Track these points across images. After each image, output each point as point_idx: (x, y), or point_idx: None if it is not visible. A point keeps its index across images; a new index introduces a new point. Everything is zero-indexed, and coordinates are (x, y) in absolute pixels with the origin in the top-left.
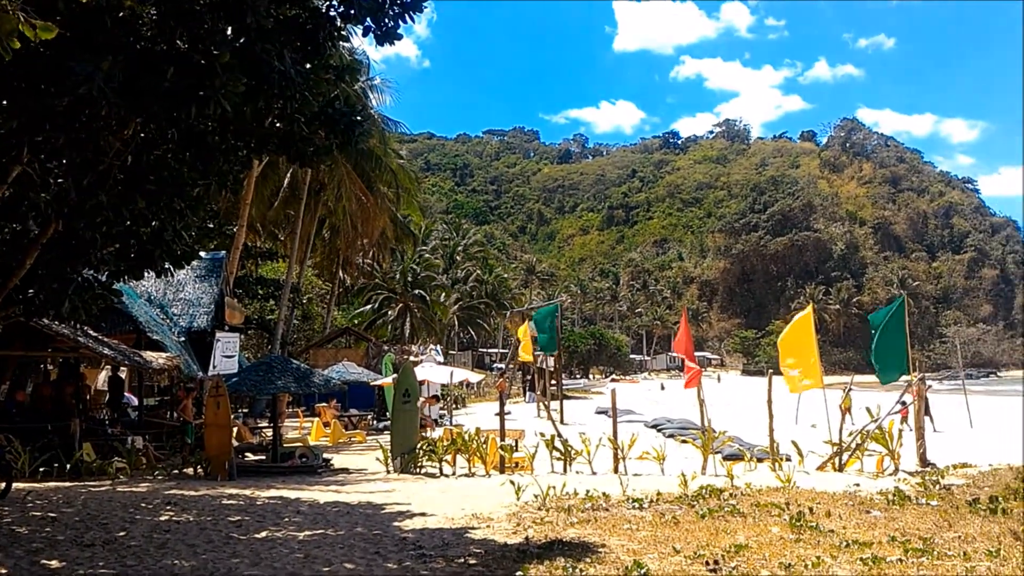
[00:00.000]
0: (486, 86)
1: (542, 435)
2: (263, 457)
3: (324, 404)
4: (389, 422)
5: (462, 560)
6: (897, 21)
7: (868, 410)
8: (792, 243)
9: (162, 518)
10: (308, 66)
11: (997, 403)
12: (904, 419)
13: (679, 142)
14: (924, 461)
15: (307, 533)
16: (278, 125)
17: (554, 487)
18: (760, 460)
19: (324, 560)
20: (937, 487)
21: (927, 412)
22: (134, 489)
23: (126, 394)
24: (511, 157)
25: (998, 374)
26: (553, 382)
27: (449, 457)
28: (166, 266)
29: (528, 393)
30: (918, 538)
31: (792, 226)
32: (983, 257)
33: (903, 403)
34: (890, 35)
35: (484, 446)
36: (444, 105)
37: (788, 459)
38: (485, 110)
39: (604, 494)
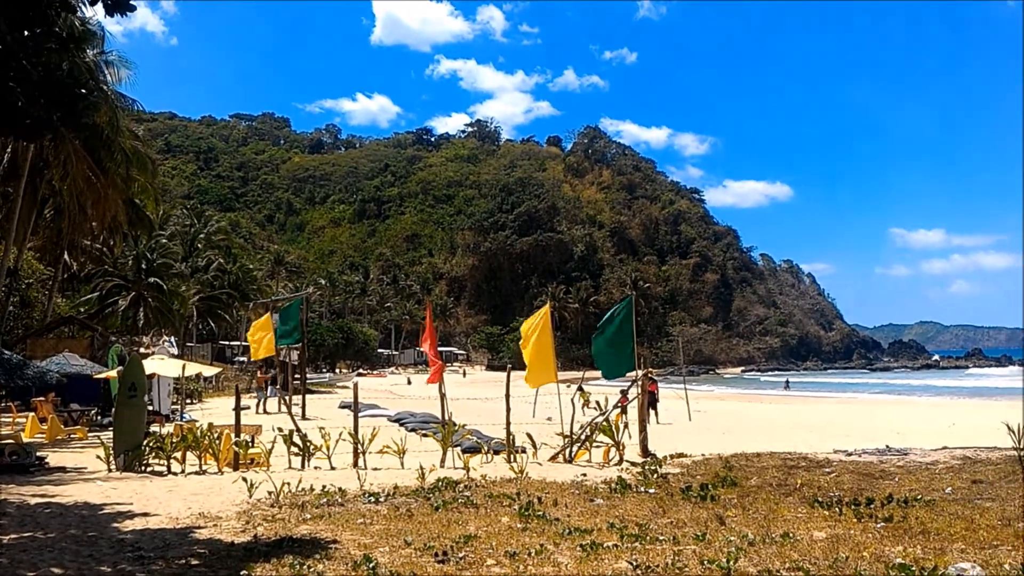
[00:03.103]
0: (236, 69)
1: (280, 430)
2: None
3: (41, 398)
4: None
5: (183, 561)
6: (639, 36)
7: (597, 403)
8: (537, 243)
9: None
10: (28, 34)
11: (713, 396)
12: (624, 410)
13: (432, 139)
14: (645, 452)
15: (13, 536)
16: None
17: (289, 483)
18: (497, 452)
19: (30, 564)
20: (655, 476)
21: (652, 405)
22: None
23: None
24: (260, 143)
25: (716, 371)
26: (297, 376)
27: (179, 454)
28: None
29: (270, 387)
30: (635, 524)
31: (537, 227)
32: (706, 262)
33: (623, 393)
34: (632, 49)
35: (217, 442)
36: (190, 85)
37: (523, 451)
38: (234, 93)
39: (341, 489)
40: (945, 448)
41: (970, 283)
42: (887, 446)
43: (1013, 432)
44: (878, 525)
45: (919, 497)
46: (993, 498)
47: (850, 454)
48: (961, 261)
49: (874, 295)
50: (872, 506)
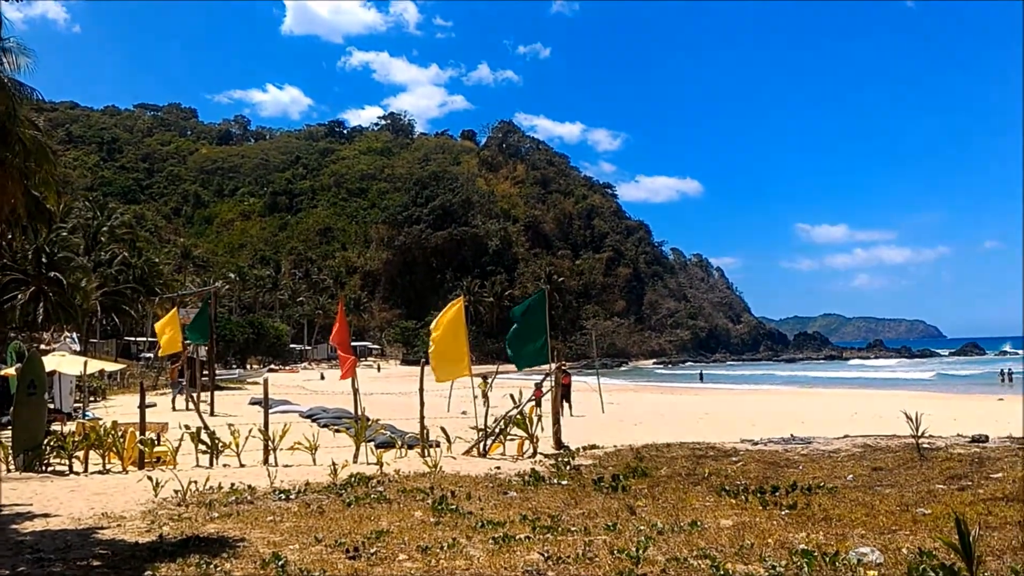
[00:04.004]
0: (141, 58)
1: (187, 428)
2: None
3: None
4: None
5: (85, 563)
6: (553, 32)
7: (512, 396)
8: (451, 237)
9: None
10: None
11: (627, 388)
12: (538, 403)
13: (345, 132)
14: (559, 444)
15: None
16: None
17: (196, 482)
18: (411, 447)
19: None
20: (568, 468)
21: (566, 398)
22: None
23: None
24: (166, 134)
25: (628, 363)
26: (205, 372)
27: (81, 453)
28: None
29: (178, 384)
30: (547, 516)
31: (452, 221)
32: (619, 256)
33: (537, 386)
34: (546, 44)
35: (121, 441)
36: (93, 74)
37: (437, 445)
38: (138, 83)
39: (250, 487)
40: (847, 437)
41: (871, 276)
42: (792, 435)
43: (911, 420)
44: (783, 512)
45: (822, 485)
46: (892, 484)
47: (756, 443)
48: (863, 255)
49: (780, 288)
50: (777, 494)
